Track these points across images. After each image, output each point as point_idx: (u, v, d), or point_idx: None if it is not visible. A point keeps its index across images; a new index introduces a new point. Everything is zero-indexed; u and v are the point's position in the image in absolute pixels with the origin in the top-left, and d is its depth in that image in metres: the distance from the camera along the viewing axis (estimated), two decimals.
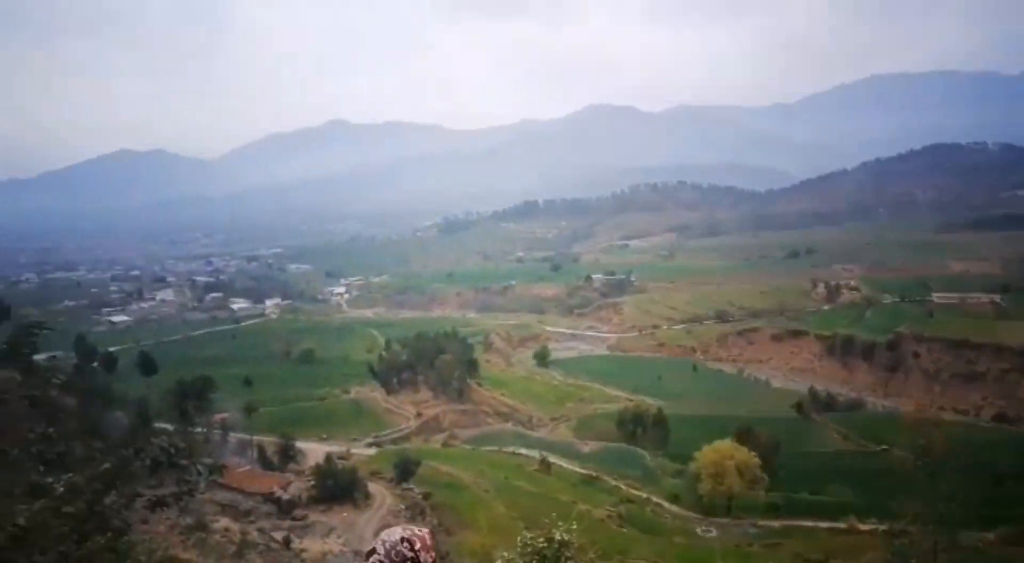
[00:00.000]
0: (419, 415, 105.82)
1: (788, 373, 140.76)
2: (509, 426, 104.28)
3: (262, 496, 59.88)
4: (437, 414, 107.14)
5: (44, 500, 5.56)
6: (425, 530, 4.22)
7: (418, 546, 4.13)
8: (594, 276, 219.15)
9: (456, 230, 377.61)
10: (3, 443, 5.62)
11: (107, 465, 6.36)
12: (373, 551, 4.15)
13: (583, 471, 75.06)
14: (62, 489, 5.84)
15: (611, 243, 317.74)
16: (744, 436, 70.75)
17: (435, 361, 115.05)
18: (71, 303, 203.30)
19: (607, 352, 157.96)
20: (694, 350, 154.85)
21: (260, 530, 52.25)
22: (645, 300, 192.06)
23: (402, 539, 4.14)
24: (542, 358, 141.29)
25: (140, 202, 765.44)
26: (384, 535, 4.18)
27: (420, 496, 63.50)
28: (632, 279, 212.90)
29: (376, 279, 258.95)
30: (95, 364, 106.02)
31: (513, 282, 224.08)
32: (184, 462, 7.40)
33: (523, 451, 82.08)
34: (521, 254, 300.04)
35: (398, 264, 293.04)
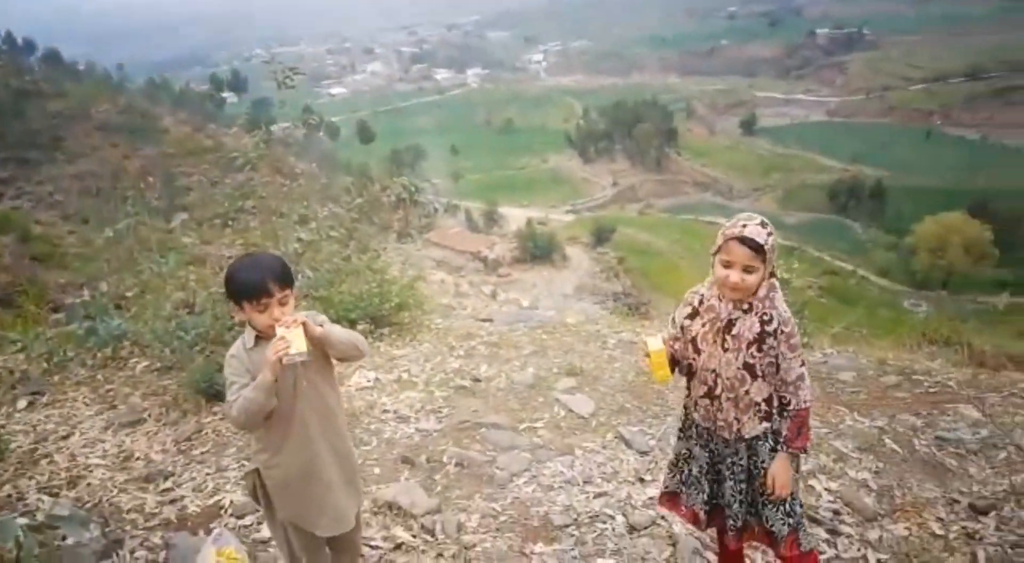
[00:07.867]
0: (615, 184, 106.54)
1: None
2: (708, 196, 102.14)
3: (471, 254, 66.02)
4: (633, 184, 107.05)
5: (313, 224, 6.64)
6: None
7: None
8: (818, 31, 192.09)
9: None
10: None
11: (360, 200, 7.32)
12: None
13: (784, 242, 72.51)
14: (326, 214, 6.97)
15: None
16: (979, 209, 63.42)
17: (633, 130, 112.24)
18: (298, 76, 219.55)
19: (825, 118, 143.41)
20: (931, 113, 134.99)
21: (471, 283, 58.60)
22: (878, 57, 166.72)
23: None
24: (748, 126, 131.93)
25: None
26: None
27: (615, 260, 66.24)
28: (865, 32, 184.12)
29: (575, 44, 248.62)
30: (320, 133, 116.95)
31: (723, 42, 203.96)
32: (423, 199, 8.40)
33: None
34: (733, 9, 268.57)
35: (598, 27, 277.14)
